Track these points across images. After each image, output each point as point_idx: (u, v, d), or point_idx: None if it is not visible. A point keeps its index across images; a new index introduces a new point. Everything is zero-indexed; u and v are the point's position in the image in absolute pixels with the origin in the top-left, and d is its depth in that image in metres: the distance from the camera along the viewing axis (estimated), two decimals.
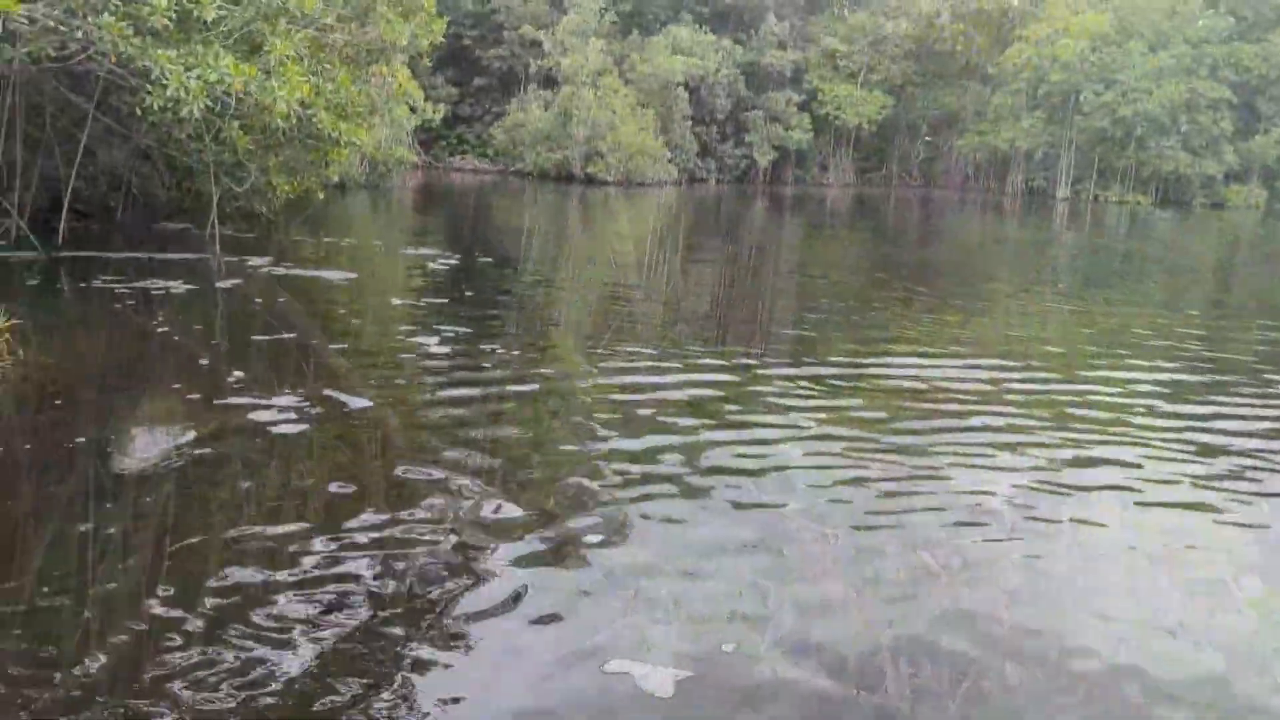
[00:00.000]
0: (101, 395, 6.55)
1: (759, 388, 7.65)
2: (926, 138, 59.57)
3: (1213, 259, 25.60)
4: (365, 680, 3.06)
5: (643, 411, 6.56)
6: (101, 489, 4.83)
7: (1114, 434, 6.89)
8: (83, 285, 10.44)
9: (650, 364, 8.16)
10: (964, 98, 55.57)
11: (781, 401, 7.19)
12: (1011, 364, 9.20)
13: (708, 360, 8.53)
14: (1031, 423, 7.05)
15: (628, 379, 7.57)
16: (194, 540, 4.17)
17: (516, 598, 3.66)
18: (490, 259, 16.47)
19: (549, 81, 48.90)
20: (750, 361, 8.70)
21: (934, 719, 3.11)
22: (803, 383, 7.77)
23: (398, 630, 3.37)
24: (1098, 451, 6.46)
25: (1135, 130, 48.38)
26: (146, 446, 5.34)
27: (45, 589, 3.68)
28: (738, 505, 4.97)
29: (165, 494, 4.76)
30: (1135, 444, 6.67)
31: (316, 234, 17.43)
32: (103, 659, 3.08)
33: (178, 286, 10.74)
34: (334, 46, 12.67)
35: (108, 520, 4.39)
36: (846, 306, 12.22)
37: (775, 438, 6.21)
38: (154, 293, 10.28)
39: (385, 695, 2.98)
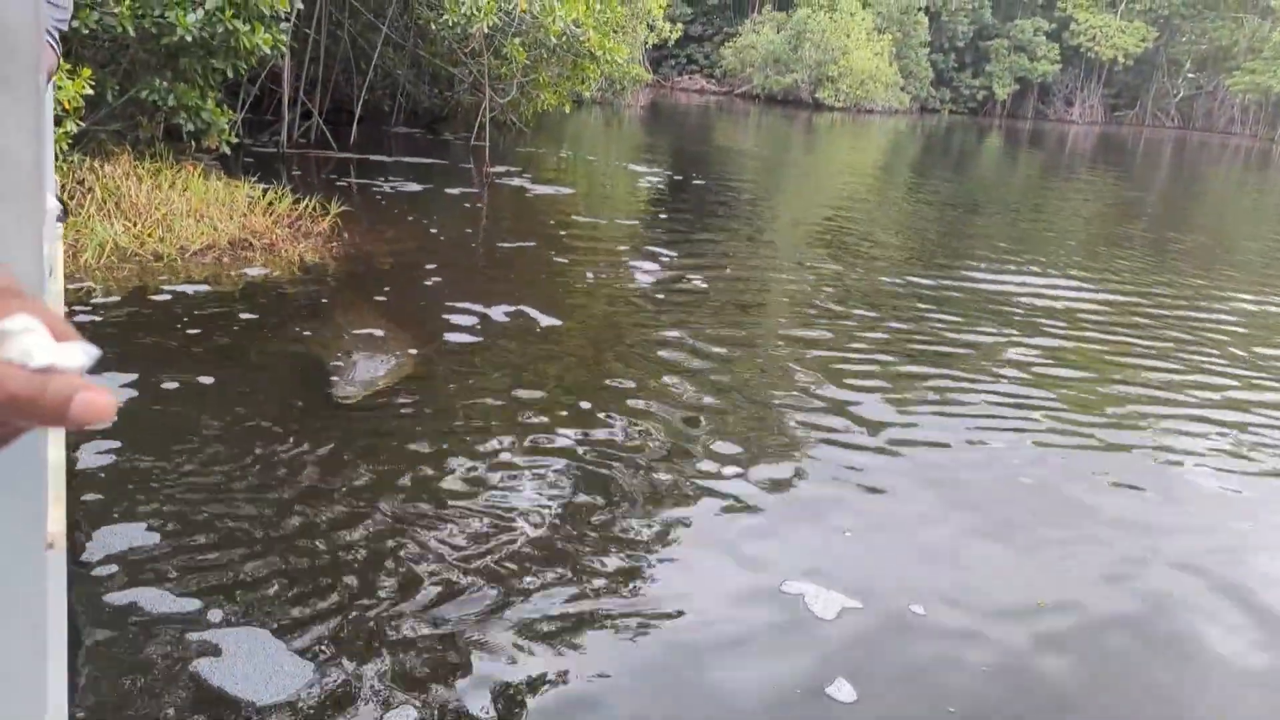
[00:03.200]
0: (406, 277, 7.38)
1: (963, 334, 7.63)
2: (1189, 74, 54.74)
3: None
4: (566, 573, 3.42)
5: (846, 357, 6.63)
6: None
7: None
8: (377, 183, 11.49)
9: (855, 307, 8.27)
10: (1238, 32, 50.56)
11: (983, 343, 7.12)
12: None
13: (908, 313, 8.57)
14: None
15: (833, 325, 7.69)
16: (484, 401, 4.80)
17: (713, 517, 3.97)
18: (715, 183, 16.76)
19: (784, 3, 48.07)
20: (953, 301, 8.68)
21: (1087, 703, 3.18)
22: (1015, 333, 7.70)
23: (593, 537, 3.69)
24: None
25: None
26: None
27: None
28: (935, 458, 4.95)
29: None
30: None
31: (559, 147, 18.26)
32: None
33: (452, 191, 11.66)
34: None
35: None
36: (1073, 264, 11.78)
37: (984, 383, 6.19)
38: (431, 195, 11.20)
39: (583, 590, 3.33)
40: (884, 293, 8.60)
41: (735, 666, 2.99)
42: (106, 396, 0.49)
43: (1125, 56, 50.45)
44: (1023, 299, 8.77)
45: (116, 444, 3.94)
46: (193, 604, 3.00)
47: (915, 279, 9.29)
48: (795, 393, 5.59)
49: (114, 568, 3.15)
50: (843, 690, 2.92)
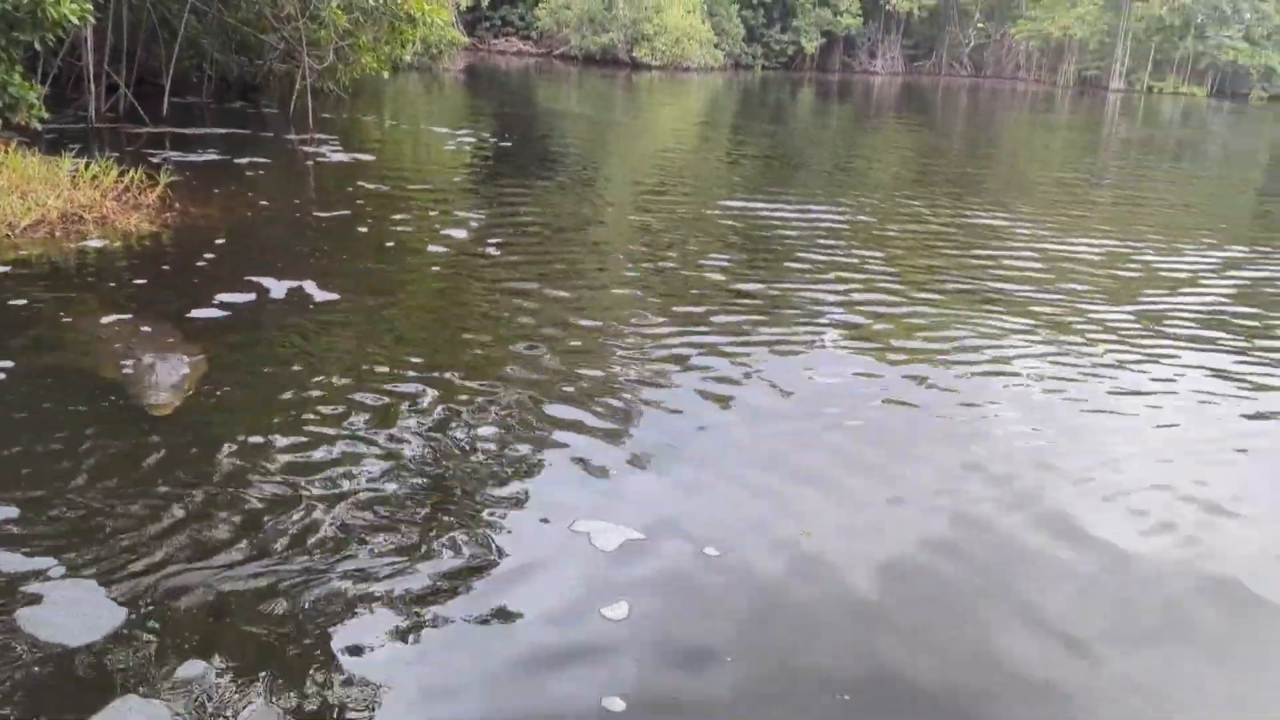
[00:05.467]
0: (252, 244, 7.41)
1: (790, 283, 8.29)
2: (978, 24, 58.23)
3: (1269, 152, 25.55)
4: (389, 541, 3.54)
5: (669, 307, 7.08)
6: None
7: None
8: (196, 155, 11.23)
9: (685, 259, 8.84)
10: None
11: (814, 296, 7.42)
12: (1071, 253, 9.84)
13: (734, 260, 9.22)
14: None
15: (657, 265, 8.22)
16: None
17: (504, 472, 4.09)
18: (540, 144, 17.04)
19: None
20: (782, 253, 9.41)
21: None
22: (836, 276, 8.40)
23: (417, 508, 3.79)
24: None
25: (1195, 19, 47.12)
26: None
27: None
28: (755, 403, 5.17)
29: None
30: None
31: (379, 114, 18.08)
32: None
33: (272, 161, 11.50)
34: None
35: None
36: (887, 204, 12.74)
37: (808, 336, 6.50)
38: (252, 166, 11.02)
39: (403, 558, 3.42)
40: (709, 239, 9.18)
41: (523, 597, 3.27)
42: None
43: (920, 8, 53.14)
44: (840, 238, 9.54)
45: None
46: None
47: (739, 224, 9.92)
48: (618, 345, 5.86)
49: None
50: (618, 609, 3.24)
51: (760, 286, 7.39)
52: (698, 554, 3.62)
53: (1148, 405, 5.51)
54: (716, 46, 48.05)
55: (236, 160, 11.11)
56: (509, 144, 15.78)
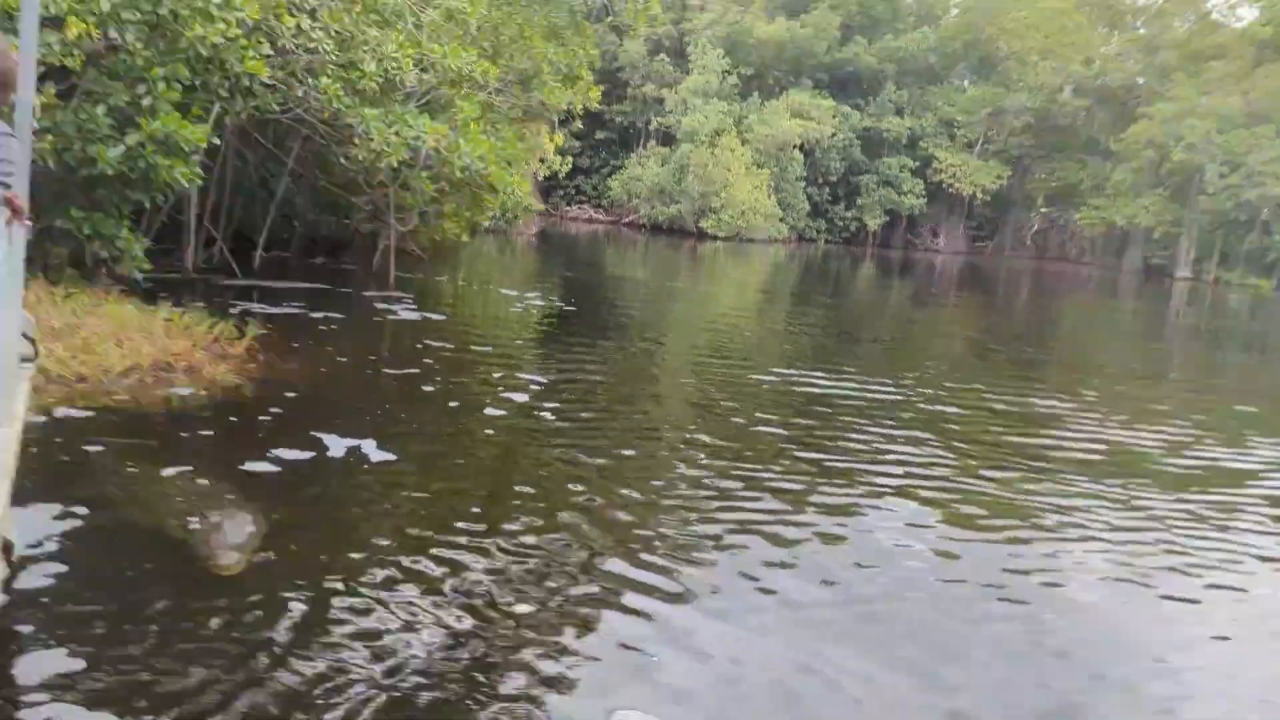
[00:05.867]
0: (325, 399, 7.69)
1: (846, 458, 8.37)
2: (1042, 209, 59.35)
3: None
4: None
5: (736, 467, 7.27)
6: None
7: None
8: (282, 309, 11.77)
9: (750, 424, 8.94)
10: (1083, 172, 55.35)
11: (871, 471, 7.55)
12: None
13: (792, 432, 9.29)
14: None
15: (723, 428, 8.36)
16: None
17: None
18: (602, 307, 17.52)
19: (667, 138, 50.56)
20: (846, 419, 9.46)
21: None
22: (894, 456, 8.46)
23: (473, 670, 3.97)
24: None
25: (1260, 214, 47.51)
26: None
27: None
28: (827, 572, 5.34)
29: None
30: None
31: (455, 274, 18.85)
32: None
33: (354, 316, 12.02)
34: (501, 108, 14.03)
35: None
36: (948, 383, 12.78)
37: (866, 510, 6.66)
38: (335, 321, 11.52)
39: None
40: (767, 408, 9.29)
41: None
42: None
43: (983, 192, 54.48)
44: (898, 409, 9.58)
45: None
46: None
47: (797, 396, 10.04)
48: (669, 518, 5.91)
49: None
50: None
51: (819, 456, 7.42)
52: None
53: (1212, 607, 5.35)
54: (781, 220, 49.51)
55: (317, 314, 11.61)
56: (574, 307, 16.30)
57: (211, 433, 6.55)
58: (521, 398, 8.62)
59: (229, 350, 8.38)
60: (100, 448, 5.85)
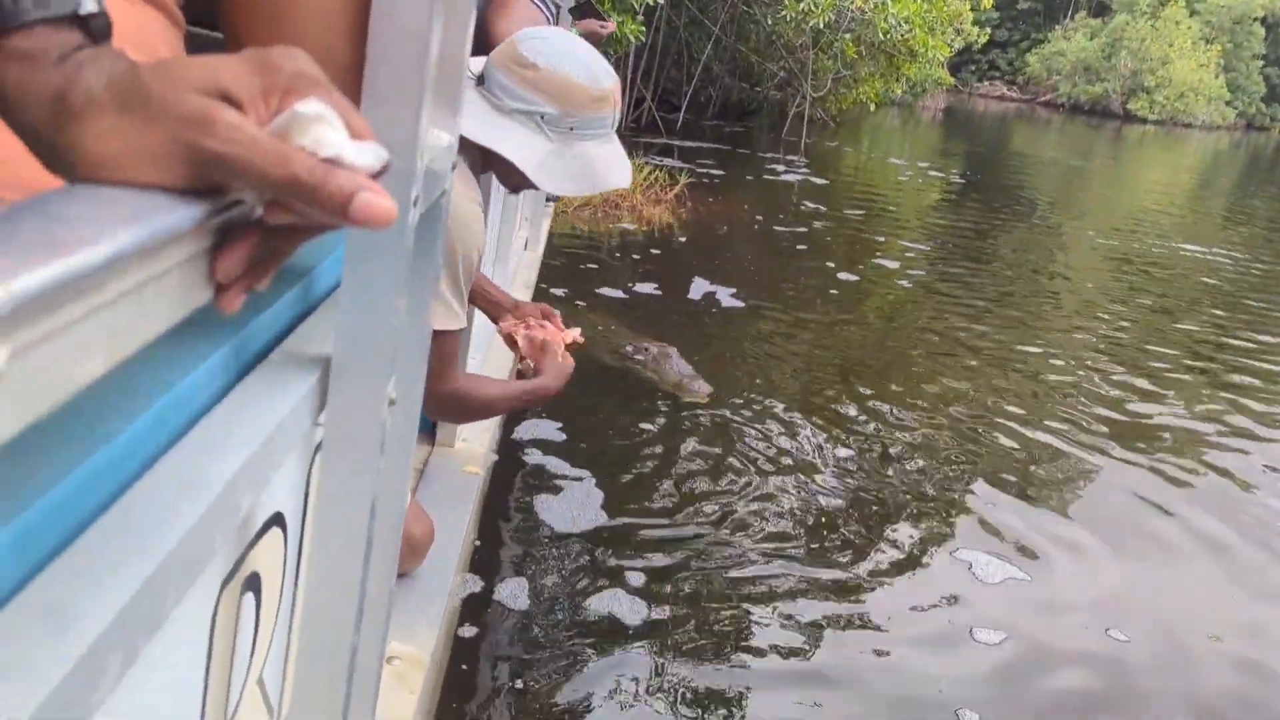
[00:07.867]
0: (737, 247, 8.24)
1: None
2: None
3: None
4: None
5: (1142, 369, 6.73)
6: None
7: None
8: (703, 165, 12.54)
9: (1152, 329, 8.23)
10: None
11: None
12: None
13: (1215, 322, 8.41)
14: None
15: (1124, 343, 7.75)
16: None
17: None
18: (1004, 183, 16.60)
19: (1100, 9, 45.81)
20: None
21: None
22: None
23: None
24: None
25: None
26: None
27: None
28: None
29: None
30: None
31: (861, 145, 18.75)
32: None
33: (765, 178, 12.51)
34: None
35: None
36: None
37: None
38: (748, 182, 12.08)
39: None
40: (1182, 296, 8.60)
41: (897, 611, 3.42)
42: (387, 201, 0.48)
43: None
44: None
45: None
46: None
47: (1230, 290, 9.17)
48: (1057, 393, 5.62)
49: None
50: (992, 635, 3.15)
51: (1238, 359, 6.84)
52: (1092, 627, 3.34)
53: None
54: (1228, 104, 43.49)
55: (728, 173, 12.26)
56: (975, 180, 15.68)
57: (652, 266, 7.30)
58: (914, 264, 8.64)
59: (662, 196, 9.21)
60: (561, 260, 6.79)
